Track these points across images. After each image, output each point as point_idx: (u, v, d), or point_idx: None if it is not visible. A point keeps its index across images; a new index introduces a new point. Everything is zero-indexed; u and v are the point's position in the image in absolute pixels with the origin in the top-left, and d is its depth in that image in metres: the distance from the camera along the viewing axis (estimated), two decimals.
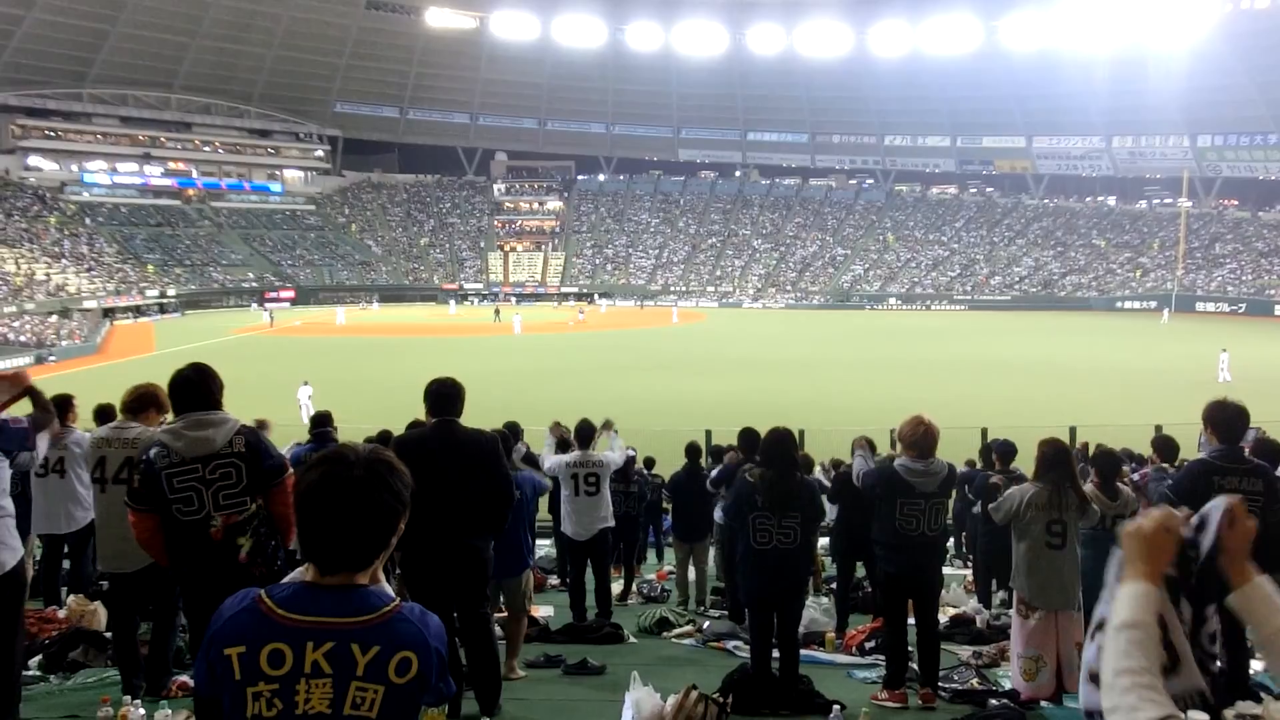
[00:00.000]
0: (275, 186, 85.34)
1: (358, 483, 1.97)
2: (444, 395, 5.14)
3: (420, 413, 6.68)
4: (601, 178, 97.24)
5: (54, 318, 48.52)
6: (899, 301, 74.31)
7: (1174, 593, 2.08)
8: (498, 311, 58.88)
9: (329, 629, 1.93)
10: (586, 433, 8.29)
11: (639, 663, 5.99)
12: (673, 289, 79.21)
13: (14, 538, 4.45)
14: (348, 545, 1.98)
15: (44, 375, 24.33)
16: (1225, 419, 5.31)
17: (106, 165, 75.95)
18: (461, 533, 5.00)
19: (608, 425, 8.93)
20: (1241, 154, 77.09)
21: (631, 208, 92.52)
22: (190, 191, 79.75)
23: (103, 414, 7.00)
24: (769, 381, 29.75)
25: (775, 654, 5.71)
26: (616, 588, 9.56)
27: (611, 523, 8.25)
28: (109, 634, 6.06)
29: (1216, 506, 2.12)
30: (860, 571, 8.85)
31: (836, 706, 5.06)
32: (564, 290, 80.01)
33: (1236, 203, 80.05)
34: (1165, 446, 7.41)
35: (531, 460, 8.27)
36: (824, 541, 10.20)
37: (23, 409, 4.92)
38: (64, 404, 7.41)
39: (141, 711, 4.34)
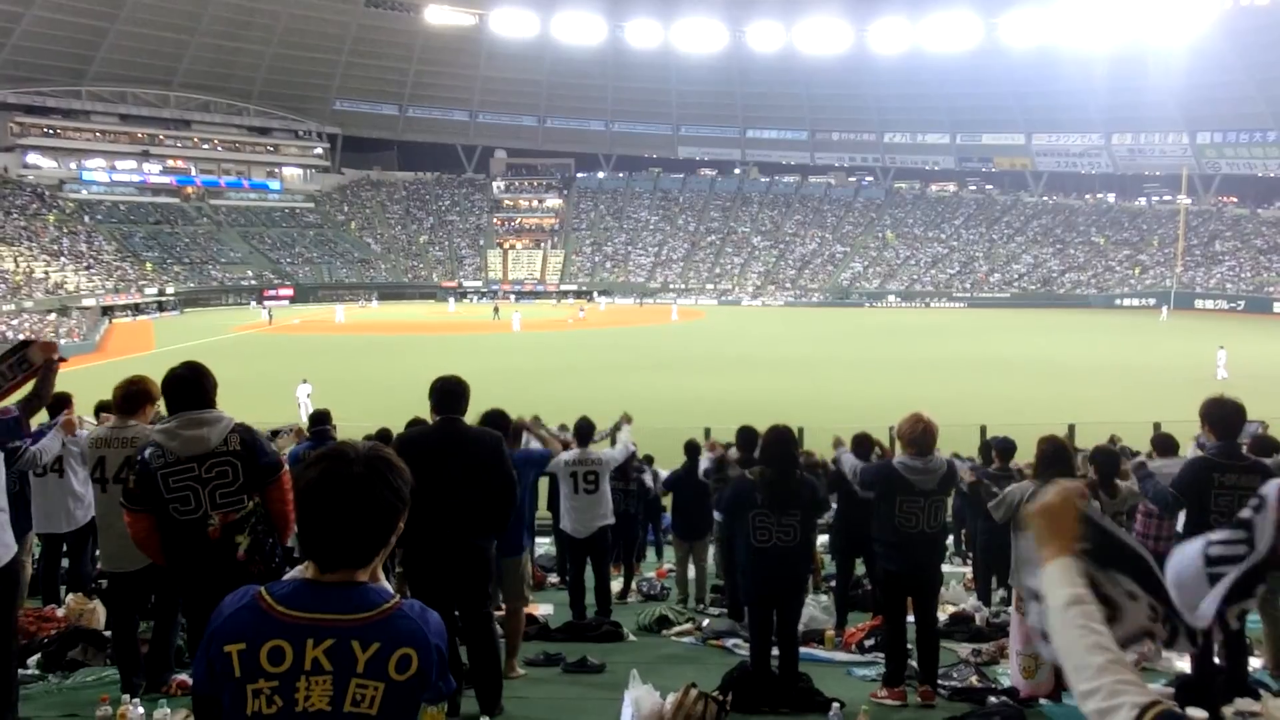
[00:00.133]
0: (274, 184, 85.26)
1: (358, 480, 1.97)
2: (449, 393, 5.13)
3: (419, 410, 6.70)
4: (601, 175, 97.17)
5: (53, 316, 48.50)
6: (898, 299, 74.31)
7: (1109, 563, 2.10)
8: (497, 309, 58.87)
9: (329, 626, 1.94)
10: (586, 431, 8.29)
11: (638, 661, 5.99)
12: (672, 287, 79.17)
13: (7, 534, 4.44)
14: (348, 542, 1.98)
15: None
16: (1222, 416, 5.32)
17: (105, 163, 75.86)
18: (464, 532, 5.00)
19: (628, 420, 9.11)
20: (1241, 151, 77.11)
21: (631, 205, 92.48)
22: (189, 189, 79.68)
23: (104, 411, 6.99)
24: (768, 379, 29.76)
25: (775, 652, 5.71)
26: (616, 586, 9.57)
27: (611, 520, 8.24)
28: (108, 633, 6.07)
29: (1273, 487, 2.13)
30: (860, 569, 8.85)
31: (836, 704, 5.07)
32: (563, 288, 79.98)
33: (1236, 200, 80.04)
34: (1165, 444, 7.41)
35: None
36: (823, 539, 10.21)
37: (17, 401, 4.91)
38: (62, 402, 7.42)
39: (140, 710, 4.34)
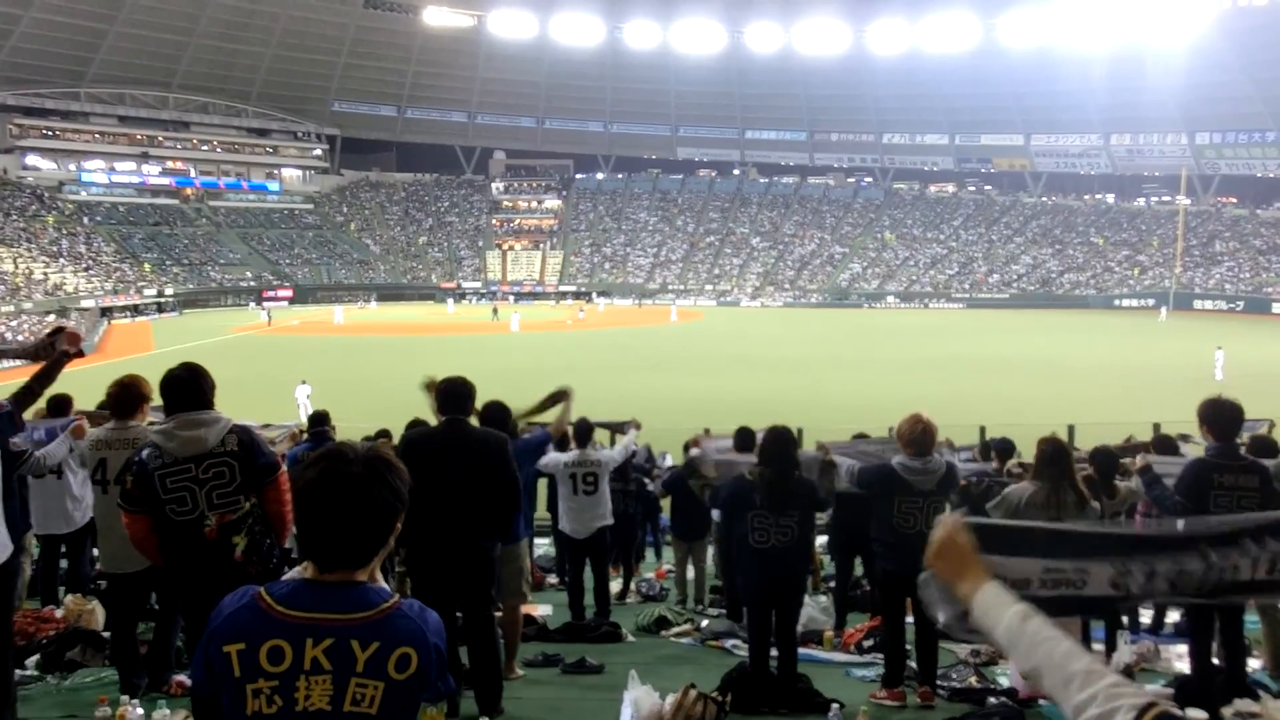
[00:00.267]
0: (273, 185, 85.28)
1: (356, 480, 1.98)
2: (454, 394, 5.13)
3: (418, 411, 6.71)
4: (600, 176, 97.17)
5: (52, 317, 48.48)
6: (897, 300, 74.34)
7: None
8: (496, 310, 58.90)
9: (328, 625, 1.94)
10: (585, 431, 8.29)
11: (637, 661, 5.99)
12: (671, 287, 79.19)
13: (3, 533, 4.44)
14: (347, 542, 1.99)
15: None
16: (1220, 417, 5.32)
17: (104, 164, 75.90)
18: (468, 532, 4.99)
19: (636, 426, 9.21)
20: (1240, 151, 77.16)
21: (630, 206, 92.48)
22: (188, 190, 79.72)
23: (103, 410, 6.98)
24: (768, 380, 29.77)
25: (773, 652, 5.71)
26: (615, 586, 9.56)
27: (610, 521, 8.23)
28: (107, 633, 6.06)
29: None
30: (858, 570, 8.85)
31: (835, 705, 5.07)
32: (562, 289, 79.98)
33: (1234, 200, 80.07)
34: (1165, 445, 7.41)
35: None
36: (822, 539, 10.20)
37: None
38: (63, 404, 7.41)
39: (140, 711, 4.34)
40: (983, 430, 13.29)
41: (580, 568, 8.29)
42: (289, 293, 72.24)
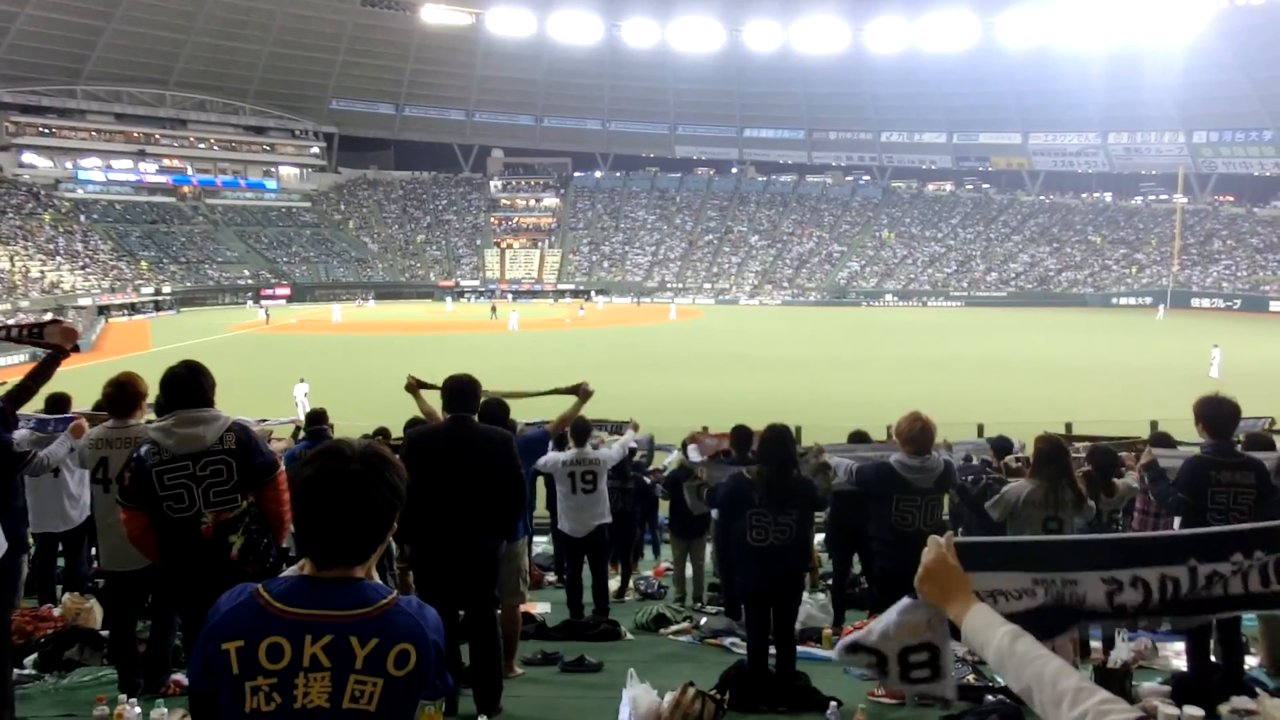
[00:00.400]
0: (271, 183, 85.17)
1: (354, 476, 1.98)
2: (460, 391, 5.13)
3: (416, 410, 6.70)
4: (598, 174, 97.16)
5: (48, 315, 48.41)
6: (895, 298, 74.38)
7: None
8: (494, 308, 58.88)
9: (327, 622, 1.94)
10: (583, 430, 8.28)
11: (636, 660, 5.99)
12: (669, 286, 79.20)
13: None
14: (344, 539, 1.99)
15: None
16: (1217, 414, 5.33)
17: (101, 162, 75.75)
18: (473, 531, 4.99)
19: (634, 427, 9.36)
20: (1237, 150, 77.23)
21: (628, 204, 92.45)
22: (185, 189, 79.60)
23: (99, 410, 6.97)
24: (766, 378, 29.78)
25: (772, 650, 5.71)
26: (613, 584, 9.56)
27: (608, 519, 8.22)
28: (104, 632, 6.06)
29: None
30: (856, 567, 8.85)
31: (833, 703, 5.07)
32: (560, 287, 79.97)
33: (1232, 198, 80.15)
34: (1162, 443, 7.41)
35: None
36: (820, 537, 10.21)
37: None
38: (61, 403, 7.41)
39: (137, 710, 4.34)
40: (981, 428, 13.32)
41: (578, 566, 8.29)
42: (287, 291, 72.14)
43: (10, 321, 41.86)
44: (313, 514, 1.99)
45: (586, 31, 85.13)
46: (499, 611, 5.51)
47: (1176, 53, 70.92)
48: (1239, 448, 5.65)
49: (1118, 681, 5.33)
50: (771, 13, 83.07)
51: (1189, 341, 38.27)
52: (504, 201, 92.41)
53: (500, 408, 6.31)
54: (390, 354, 36.47)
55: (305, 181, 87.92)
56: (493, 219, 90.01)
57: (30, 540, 7.33)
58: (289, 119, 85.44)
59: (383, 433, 9.66)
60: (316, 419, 8.76)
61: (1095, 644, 6.41)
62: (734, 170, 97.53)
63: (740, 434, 7.96)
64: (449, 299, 71.60)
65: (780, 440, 5.67)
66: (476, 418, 5.44)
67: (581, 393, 6.81)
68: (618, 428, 9.84)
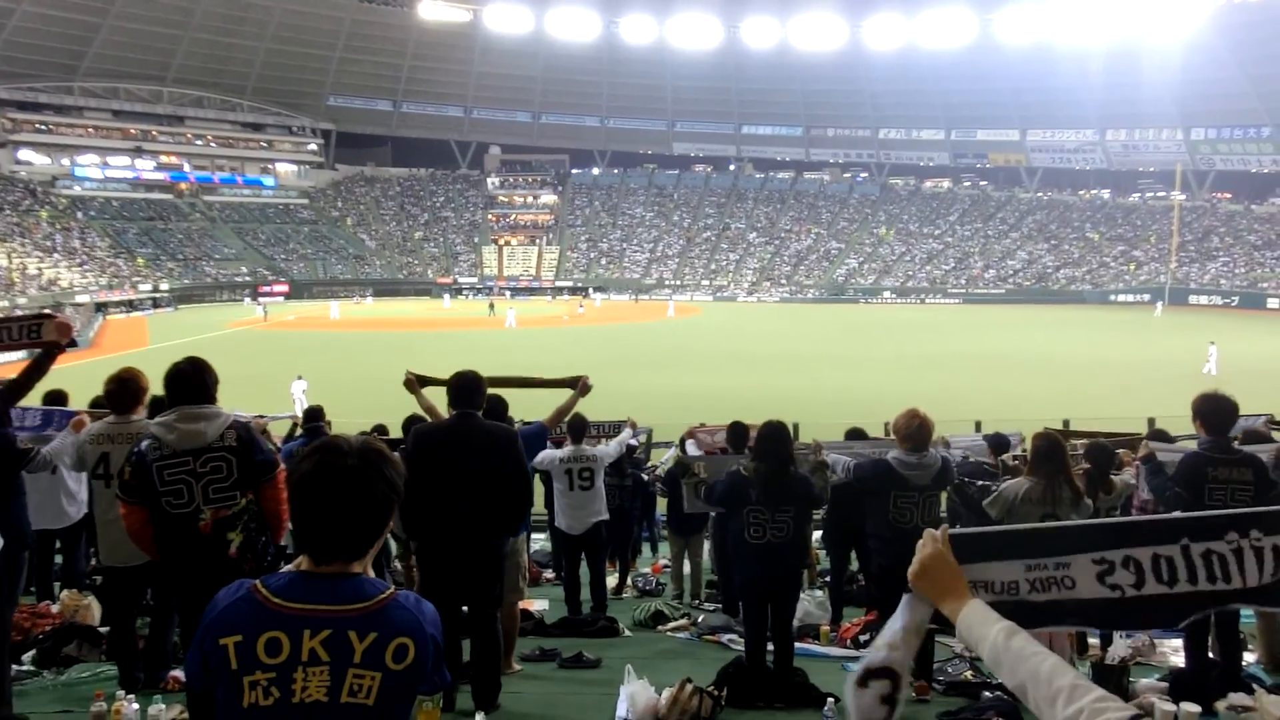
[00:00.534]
0: (268, 180, 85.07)
1: (352, 472, 1.99)
2: (465, 388, 5.13)
3: (414, 407, 6.69)
4: (596, 171, 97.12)
5: (45, 312, 48.27)
6: (893, 295, 74.39)
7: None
8: (492, 305, 58.86)
9: (326, 616, 1.95)
10: (580, 427, 8.28)
11: (634, 656, 5.99)
12: (667, 283, 79.19)
13: None
14: (342, 534, 2.00)
15: None
16: (1215, 411, 5.34)
17: (98, 159, 75.61)
18: (478, 527, 4.99)
19: (632, 426, 9.32)
20: (1235, 147, 77.24)
21: (626, 201, 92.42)
22: (183, 185, 79.46)
23: (97, 406, 6.96)
24: (765, 375, 29.79)
25: (770, 647, 5.72)
26: (612, 581, 9.57)
27: (605, 516, 8.22)
28: (103, 629, 6.06)
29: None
30: (854, 564, 8.86)
31: (831, 699, 5.08)
32: (558, 284, 79.95)
33: (1230, 195, 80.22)
34: (1160, 440, 7.41)
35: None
36: (817, 534, 10.22)
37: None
38: (57, 400, 7.40)
39: (135, 706, 4.34)
40: (979, 425, 13.33)
41: (576, 563, 8.28)
42: (284, 288, 72.08)
43: (4, 317, 41.79)
44: (310, 509, 2.00)
45: (584, 28, 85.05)
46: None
47: (1174, 49, 70.92)
48: (1236, 444, 5.65)
49: (1115, 678, 5.34)
50: (769, 9, 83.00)
51: (1187, 338, 38.29)
52: (502, 198, 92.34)
53: (499, 404, 6.30)
54: (388, 351, 36.45)
55: (303, 178, 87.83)
56: (490, 216, 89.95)
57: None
58: (286, 115, 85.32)
59: (380, 429, 9.64)
60: (314, 416, 8.75)
61: (1093, 641, 6.42)
62: (732, 167, 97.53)
63: (737, 430, 7.96)
64: (447, 296, 71.59)
65: (777, 437, 5.67)
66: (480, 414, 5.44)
67: (581, 387, 6.78)
68: (615, 428, 9.82)
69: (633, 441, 9.73)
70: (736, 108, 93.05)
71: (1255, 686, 5.22)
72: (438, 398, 6.13)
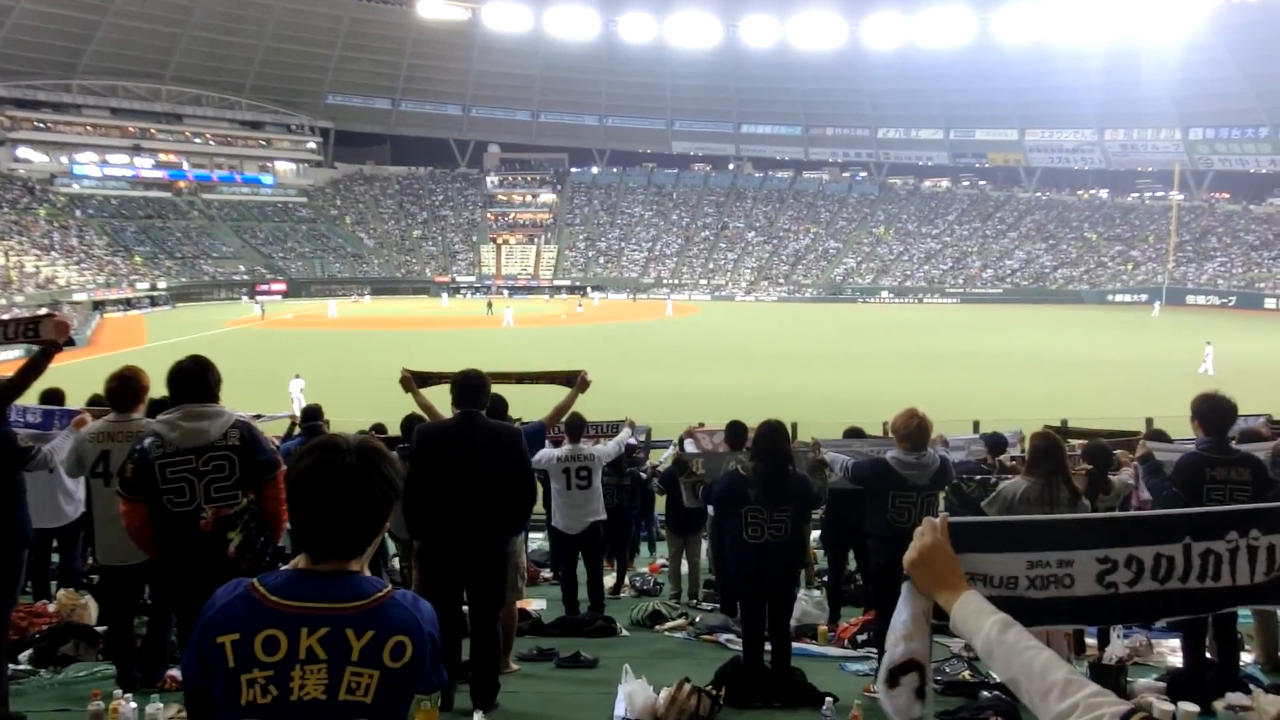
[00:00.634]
0: (267, 178, 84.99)
1: (350, 469, 1.99)
2: (469, 386, 5.13)
3: (413, 406, 6.69)
4: (595, 170, 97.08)
5: (43, 310, 48.23)
6: (891, 295, 74.39)
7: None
8: (490, 304, 58.87)
9: (323, 614, 1.95)
10: (578, 426, 8.28)
11: (631, 656, 5.99)
12: (666, 282, 79.18)
13: None
14: (340, 532, 2.00)
15: None
16: (1213, 411, 5.34)
17: (97, 157, 75.48)
18: (483, 527, 4.98)
19: (631, 425, 9.26)
20: (1233, 147, 77.29)
21: (624, 200, 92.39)
22: (181, 183, 79.37)
23: (96, 404, 6.95)
24: (763, 374, 29.79)
25: (767, 647, 5.72)
26: (610, 580, 9.56)
27: (603, 516, 8.21)
28: (100, 628, 6.05)
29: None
30: (852, 564, 8.86)
31: (829, 699, 5.07)
32: (556, 283, 79.94)
33: (1228, 196, 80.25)
34: (1159, 441, 7.41)
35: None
36: (815, 534, 10.22)
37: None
38: (55, 399, 7.39)
39: (133, 705, 4.34)
40: (976, 425, 13.35)
41: (573, 563, 8.26)
42: (282, 286, 71.98)
43: (5, 317, 41.78)
44: (308, 507, 2.00)
45: (583, 27, 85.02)
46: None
47: (1173, 49, 70.94)
48: (1234, 444, 5.65)
49: (1113, 678, 5.34)
50: (769, 8, 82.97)
51: (1184, 338, 38.33)
52: (500, 197, 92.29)
53: (500, 403, 6.29)
54: (386, 350, 36.43)
55: (301, 176, 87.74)
56: (489, 214, 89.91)
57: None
58: (285, 114, 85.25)
59: (378, 428, 9.63)
60: (311, 415, 8.74)
61: (1090, 640, 6.42)
62: (731, 166, 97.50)
63: (736, 429, 7.96)
64: (445, 295, 71.54)
65: (775, 436, 5.67)
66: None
67: (580, 382, 6.76)
68: (614, 428, 9.81)
69: (632, 441, 9.70)
70: (735, 107, 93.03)
71: (1252, 686, 5.23)
72: (436, 396, 6.12)
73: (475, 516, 4.93)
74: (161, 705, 4.35)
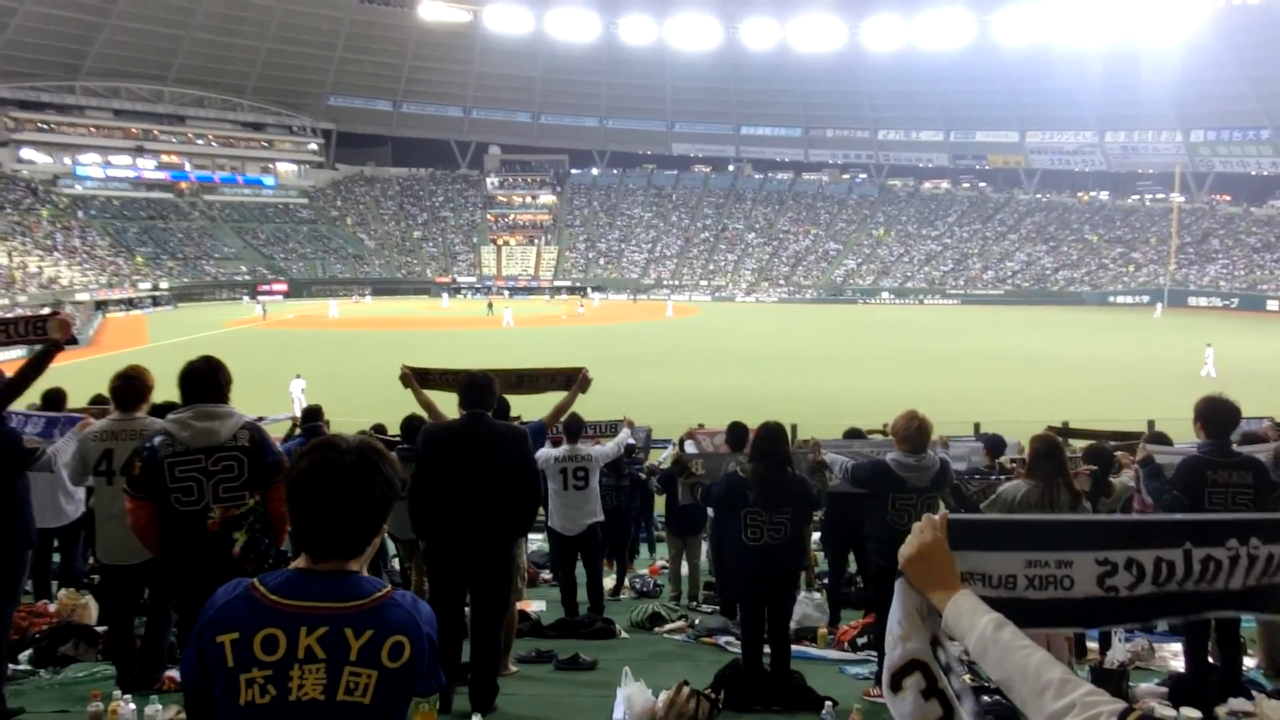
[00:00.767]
0: (268, 180, 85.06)
1: (349, 469, 1.99)
2: (475, 387, 5.13)
3: (413, 407, 6.68)
4: (595, 171, 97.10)
5: (46, 311, 48.25)
6: (891, 296, 74.38)
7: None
8: (490, 305, 58.88)
9: (322, 614, 1.95)
10: (576, 427, 8.25)
11: (631, 658, 5.98)
12: (666, 283, 79.18)
13: None
14: (339, 531, 2.00)
15: None
16: (1216, 414, 5.32)
17: (99, 158, 75.59)
18: (488, 528, 4.98)
19: (629, 424, 9.17)
20: (1234, 149, 77.25)
21: (625, 201, 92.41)
22: (183, 184, 79.46)
23: (98, 403, 6.94)
24: (763, 375, 29.77)
25: (767, 649, 5.70)
26: (609, 582, 9.54)
27: (601, 517, 8.14)
28: (100, 628, 6.04)
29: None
30: (852, 566, 8.84)
31: (828, 702, 5.07)
32: (557, 284, 79.96)
33: (1229, 198, 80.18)
34: (1160, 443, 7.40)
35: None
36: (815, 536, 10.21)
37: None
38: (56, 398, 7.38)
39: (132, 706, 4.33)
40: (977, 426, 13.35)
41: (571, 564, 8.21)
42: (284, 287, 72.07)
43: (9, 316, 41.77)
44: (308, 506, 2.00)
45: (584, 29, 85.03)
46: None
47: (1173, 51, 70.92)
48: (1235, 447, 5.63)
49: (1114, 682, 5.33)
50: (769, 11, 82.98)
51: (1186, 340, 38.29)
52: (501, 198, 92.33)
53: (501, 403, 6.28)
54: (387, 350, 36.42)
55: (303, 178, 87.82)
56: (489, 216, 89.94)
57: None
58: (287, 115, 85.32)
59: (379, 428, 9.63)
60: (312, 415, 8.73)
61: (1092, 645, 6.41)
62: (730, 168, 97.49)
63: (736, 431, 7.94)
64: (445, 295, 71.57)
65: (774, 438, 5.66)
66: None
67: (581, 380, 6.72)
68: (613, 428, 9.78)
69: (632, 441, 9.68)
70: (735, 108, 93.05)
71: (1255, 692, 5.21)
72: (436, 395, 6.11)
73: (481, 517, 4.92)
74: (161, 706, 4.35)
